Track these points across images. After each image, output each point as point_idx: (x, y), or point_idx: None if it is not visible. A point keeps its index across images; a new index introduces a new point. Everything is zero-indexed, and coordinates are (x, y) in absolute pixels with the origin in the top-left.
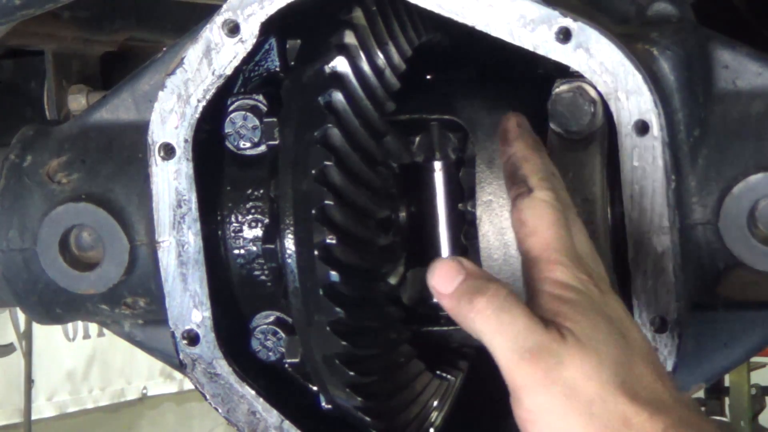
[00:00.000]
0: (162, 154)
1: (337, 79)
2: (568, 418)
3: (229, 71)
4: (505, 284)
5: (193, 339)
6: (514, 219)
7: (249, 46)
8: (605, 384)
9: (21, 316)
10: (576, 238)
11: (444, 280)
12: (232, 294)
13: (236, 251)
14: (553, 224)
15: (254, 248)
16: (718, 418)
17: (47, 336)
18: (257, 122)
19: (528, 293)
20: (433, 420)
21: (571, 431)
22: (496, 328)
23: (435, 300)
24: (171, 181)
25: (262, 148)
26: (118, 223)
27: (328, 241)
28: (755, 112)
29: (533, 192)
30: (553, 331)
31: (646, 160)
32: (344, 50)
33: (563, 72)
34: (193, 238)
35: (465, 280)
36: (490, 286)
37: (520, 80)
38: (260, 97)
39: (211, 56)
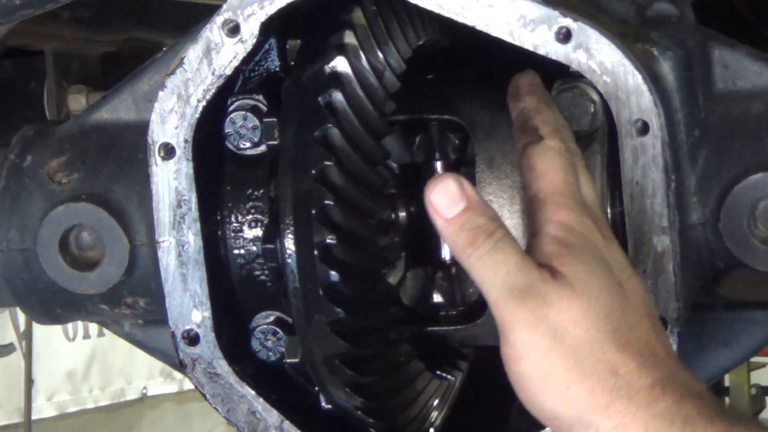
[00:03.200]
0: (162, 154)
1: (337, 79)
2: (552, 358)
3: (229, 71)
4: (503, 223)
5: (193, 339)
6: (523, 164)
7: (249, 46)
8: (593, 330)
9: (21, 316)
10: (583, 186)
11: (445, 201)
12: (232, 294)
13: (236, 251)
14: (561, 170)
15: (254, 248)
16: None
17: (47, 336)
18: (257, 122)
19: (530, 234)
20: (433, 420)
21: (554, 372)
22: (488, 265)
23: (431, 221)
24: (171, 181)
25: (262, 148)
26: (118, 223)
27: (328, 241)
28: (755, 112)
29: (543, 140)
30: (545, 272)
31: (646, 160)
32: (344, 50)
33: (563, 72)
34: (193, 238)
35: (466, 209)
36: (489, 225)
37: None
38: (260, 97)
39: (211, 56)
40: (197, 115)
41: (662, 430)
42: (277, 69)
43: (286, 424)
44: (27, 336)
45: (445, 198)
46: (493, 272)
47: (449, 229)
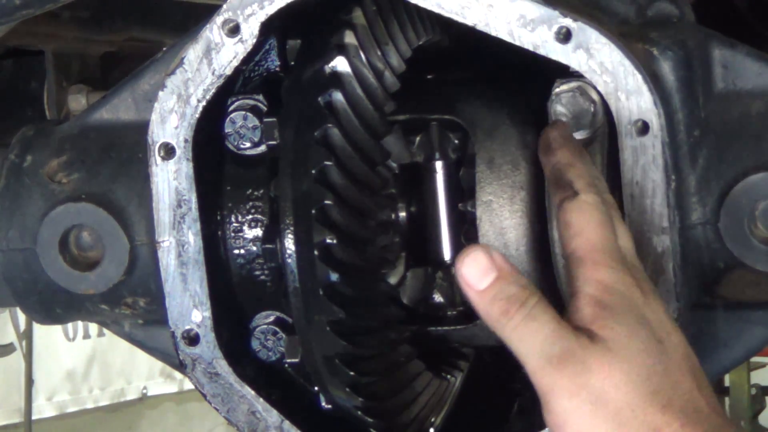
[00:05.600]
0: (162, 154)
1: (337, 79)
2: (596, 424)
3: (229, 71)
4: (536, 290)
5: (193, 339)
6: (560, 222)
7: (249, 46)
8: (635, 393)
9: (21, 316)
10: (621, 240)
11: (475, 273)
12: (232, 294)
13: (236, 251)
14: (599, 226)
15: (254, 248)
16: None
17: (47, 336)
18: (257, 122)
19: (569, 293)
20: (433, 420)
21: None
22: (524, 335)
23: (464, 296)
24: (171, 181)
25: (262, 148)
26: (118, 223)
27: (328, 241)
28: (755, 112)
29: (579, 195)
30: (583, 337)
31: (646, 160)
32: (344, 50)
33: (563, 72)
34: (193, 238)
35: (498, 279)
36: (521, 294)
37: (520, 80)
38: (260, 97)
39: (211, 56)
40: (197, 115)
41: None
42: (277, 69)
43: (286, 424)
44: (27, 336)
45: (475, 270)
46: (529, 341)
47: (482, 300)
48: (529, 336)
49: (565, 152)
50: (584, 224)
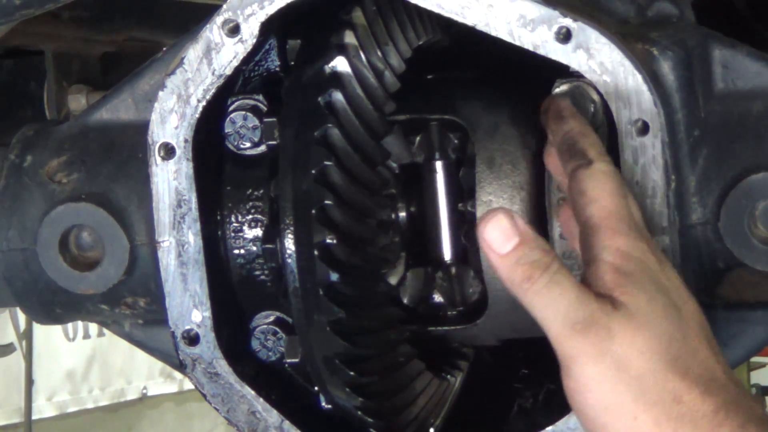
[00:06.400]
0: (162, 154)
1: (337, 79)
2: (618, 390)
3: (229, 71)
4: (557, 256)
5: (193, 339)
6: (574, 190)
7: (249, 46)
8: (657, 360)
9: (21, 316)
10: (633, 209)
11: (498, 237)
12: (232, 294)
13: (236, 251)
14: (613, 193)
15: (254, 248)
16: None
17: (47, 336)
18: (257, 122)
19: (586, 261)
20: (433, 420)
21: (620, 403)
22: (547, 300)
23: (484, 261)
24: (171, 181)
25: (262, 148)
26: (118, 223)
27: (328, 241)
28: (755, 112)
29: (593, 164)
30: (606, 304)
31: (646, 160)
32: (344, 50)
33: (563, 72)
34: (193, 238)
35: (521, 244)
36: (545, 259)
37: (520, 80)
38: (260, 97)
39: (211, 56)
40: (197, 115)
41: None
42: (277, 69)
43: (286, 424)
44: (27, 336)
45: (498, 234)
46: (552, 307)
47: (504, 264)
48: (552, 302)
49: (576, 121)
50: (599, 191)
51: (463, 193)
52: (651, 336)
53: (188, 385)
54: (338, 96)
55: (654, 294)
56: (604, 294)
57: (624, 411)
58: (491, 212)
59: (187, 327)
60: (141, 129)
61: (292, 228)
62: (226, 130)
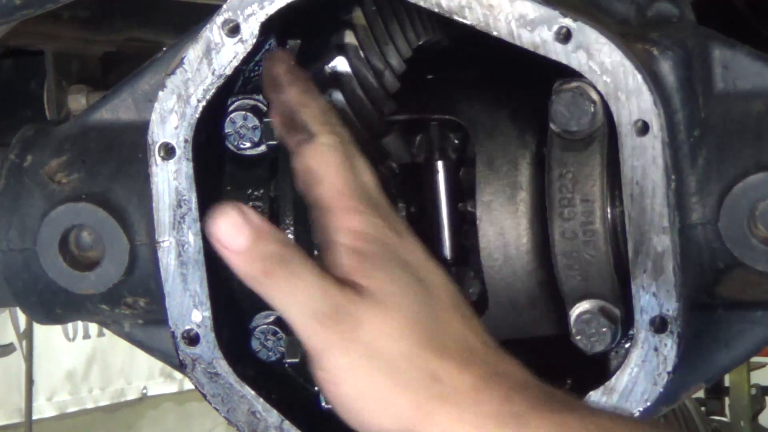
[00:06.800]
0: (162, 154)
1: (337, 79)
2: (373, 377)
3: (229, 71)
4: (297, 246)
5: (193, 339)
6: (298, 168)
7: (249, 46)
8: (409, 341)
9: (21, 316)
10: (363, 177)
11: (231, 232)
12: (232, 294)
13: None
14: (341, 168)
15: None
16: (718, 418)
17: (47, 336)
18: (257, 122)
19: (322, 246)
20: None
21: (376, 390)
22: (289, 294)
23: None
24: (171, 181)
25: (263, 148)
26: (118, 223)
27: None
28: (755, 112)
29: (316, 137)
30: (349, 291)
31: (646, 160)
32: (344, 50)
33: (563, 72)
34: (193, 238)
35: (256, 239)
36: (282, 252)
37: (520, 80)
38: (260, 97)
39: (211, 56)
40: (197, 115)
41: (492, 431)
42: None
43: (286, 424)
44: (27, 336)
45: (229, 229)
46: (295, 301)
47: (240, 261)
48: (294, 295)
49: (295, 89)
50: (325, 169)
51: (463, 193)
52: (399, 317)
53: (188, 385)
54: (338, 96)
55: (397, 273)
56: (346, 280)
57: (380, 398)
58: (220, 207)
59: (187, 327)
60: (141, 129)
61: (292, 228)
62: (226, 130)
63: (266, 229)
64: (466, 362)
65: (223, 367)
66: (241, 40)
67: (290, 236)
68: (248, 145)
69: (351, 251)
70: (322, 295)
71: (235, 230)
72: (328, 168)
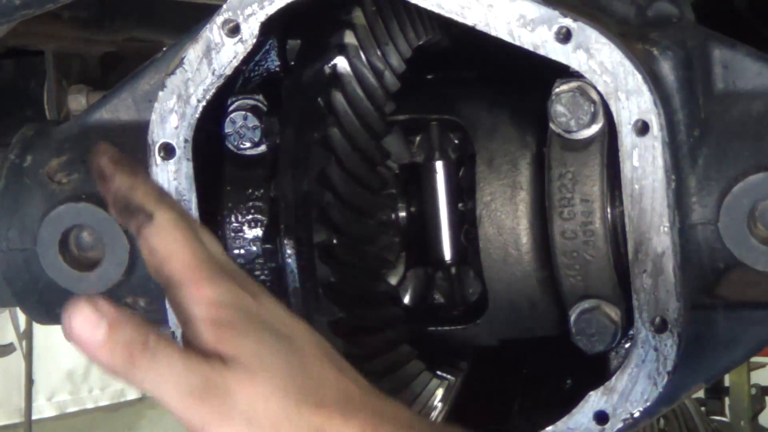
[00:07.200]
0: (162, 154)
1: (337, 79)
2: None
3: (229, 71)
4: (152, 326)
5: None
6: (145, 251)
7: (249, 46)
8: (285, 400)
9: (21, 316)
10: (210, 247)
11: (86, 328)
12: None
13: (236, 251)
14: (185, 242)
15: (254, 248)
16: (718, 418)
17: (47, 336)
18: (257, 122)
19: (182, 322)
20: (433, 420)
21: None
22: (157, 377)
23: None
24: (171, 181)
25: (262, 148)
26: (118, 223)
27: (328, 241)
28: (755, 112)
29: (154, 216)
30: (215, 362)
31: (646, 160)
32: (344, 50)
33: (563, 72)
34: None
35: (111, 328)
36: (140, 335)
37: (520, 80)
38: (260, 97)
39: (211, 56)
40: (197, 115)
41: None
42: (277, 69)
43: None
44: (27, 336)
45: (85, 325)
46: (163, 381)
47: (102, 354)
48: (161, 375)
49: (122, 176)
50: (171, 245)
51: (463, 193)
52: (270, 379)
53: None
54: (338, 96)
55: (260, 335)
56: (210, 352)
57: None
58: (71, 303)
59: None
60: (141, 129)
61: (292, 228)
62: (226, 130)
63: (121, 318)
64: (350, 411)
65: None
66: (241, 40)
67: (291, 237)
68: (248, 145)
69: (210, 322)
70: (189, 371)
71: (90, 325)
72: (174, 244)
